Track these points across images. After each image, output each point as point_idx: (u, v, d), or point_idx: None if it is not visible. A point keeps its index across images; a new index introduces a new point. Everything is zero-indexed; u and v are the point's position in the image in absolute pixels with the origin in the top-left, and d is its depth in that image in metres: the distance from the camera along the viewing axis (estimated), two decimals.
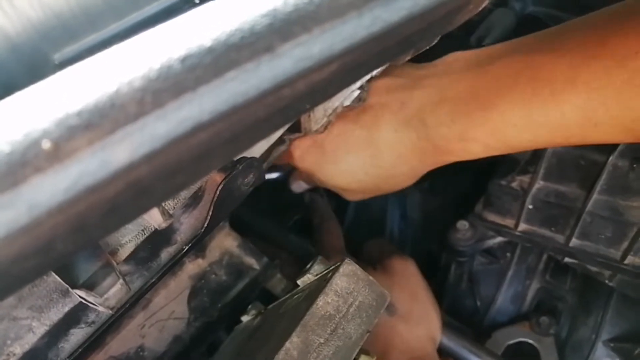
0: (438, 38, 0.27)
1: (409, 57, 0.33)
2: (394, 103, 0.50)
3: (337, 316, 0.31)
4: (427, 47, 0.31)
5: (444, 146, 0.48)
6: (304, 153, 0.55)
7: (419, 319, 0.55)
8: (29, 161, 0.14)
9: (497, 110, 0.43)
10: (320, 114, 0.49)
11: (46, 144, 0.14)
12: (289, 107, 0.17)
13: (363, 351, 0.32)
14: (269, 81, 0.15)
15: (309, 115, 0.48)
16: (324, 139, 0.53)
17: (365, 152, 0.52)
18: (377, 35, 0.16)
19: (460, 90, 0.46)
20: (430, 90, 0.48)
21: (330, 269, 0.35)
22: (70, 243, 0.16)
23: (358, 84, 0.50)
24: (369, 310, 0.32)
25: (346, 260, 0.33)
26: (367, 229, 0.78)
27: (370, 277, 0.33)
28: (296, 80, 0.16)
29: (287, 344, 0.30)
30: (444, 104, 0.47)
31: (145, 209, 0.18)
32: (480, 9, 0.26)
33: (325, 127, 0.51)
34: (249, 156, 0.39)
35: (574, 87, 0.38)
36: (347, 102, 0.51)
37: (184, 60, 0.15)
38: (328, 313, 0.31)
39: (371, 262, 0.61)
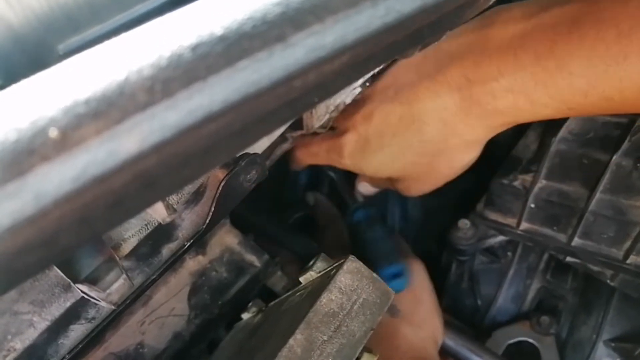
0: (447, 34, 0.27)
1: (416, 53, 0.33)
2: (429, 68, 0.47)
3: (341, 313, 0.31)
4: (435, 43, 0.31)
5: (490, 103, 0.44)
6: (348, 150, 0.52)
7: (422, 322, 0.55)
8: (35, 149, 0.13)
9: (552, 57, 0.39)
10: (322, 110, 0.49)
11: (53, 132, 0.14)
12: (298, 99, 0.17)
13: (366, 349, 0.32)
14: (281, 71, 0.15)
15: (311, 112, 0.48)
16: (367, 129, 0.51)
17: (409, 128, 0.49)
18: (391, 26, 0.16)
19: (507, 41, 0.42)
20: (469, 46, 0.45)
21: (334, 266, 0.35)
22: (75, 235, 0.16)
23: (360, 81, 0.49)
24: (373, 307, 0.32)
25: (350, 257, 0.33)
26: None
27: (374, 275, 0.33)
28: (308, 70, 0.15)
29: (291, 341, 0.29)
30: (489, 58, 0.43)
31: (151, 202, 0.18)
32: (489, 4, 0.25)
33: (326, 125, 0.51)
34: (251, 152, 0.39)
35: None
36: (349, 100, 0.51)
37: (195, 48, 0.14)
38: (332, 310, 0.31)
39: None
